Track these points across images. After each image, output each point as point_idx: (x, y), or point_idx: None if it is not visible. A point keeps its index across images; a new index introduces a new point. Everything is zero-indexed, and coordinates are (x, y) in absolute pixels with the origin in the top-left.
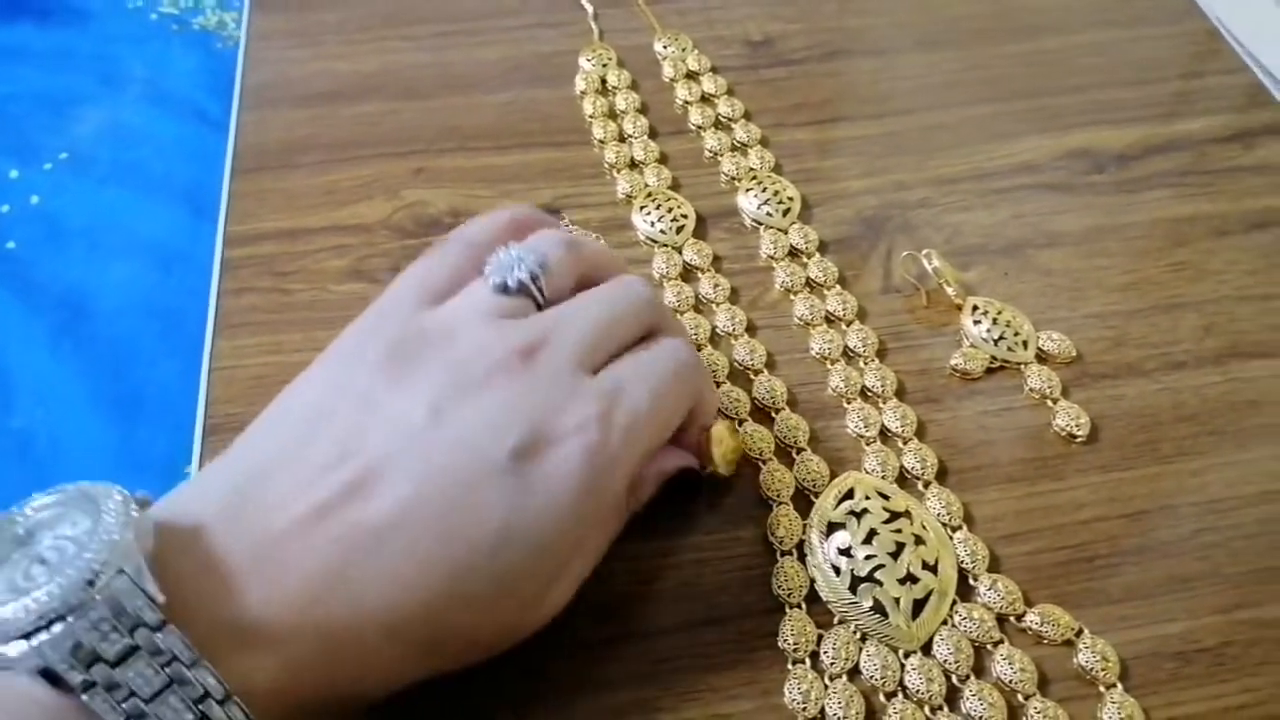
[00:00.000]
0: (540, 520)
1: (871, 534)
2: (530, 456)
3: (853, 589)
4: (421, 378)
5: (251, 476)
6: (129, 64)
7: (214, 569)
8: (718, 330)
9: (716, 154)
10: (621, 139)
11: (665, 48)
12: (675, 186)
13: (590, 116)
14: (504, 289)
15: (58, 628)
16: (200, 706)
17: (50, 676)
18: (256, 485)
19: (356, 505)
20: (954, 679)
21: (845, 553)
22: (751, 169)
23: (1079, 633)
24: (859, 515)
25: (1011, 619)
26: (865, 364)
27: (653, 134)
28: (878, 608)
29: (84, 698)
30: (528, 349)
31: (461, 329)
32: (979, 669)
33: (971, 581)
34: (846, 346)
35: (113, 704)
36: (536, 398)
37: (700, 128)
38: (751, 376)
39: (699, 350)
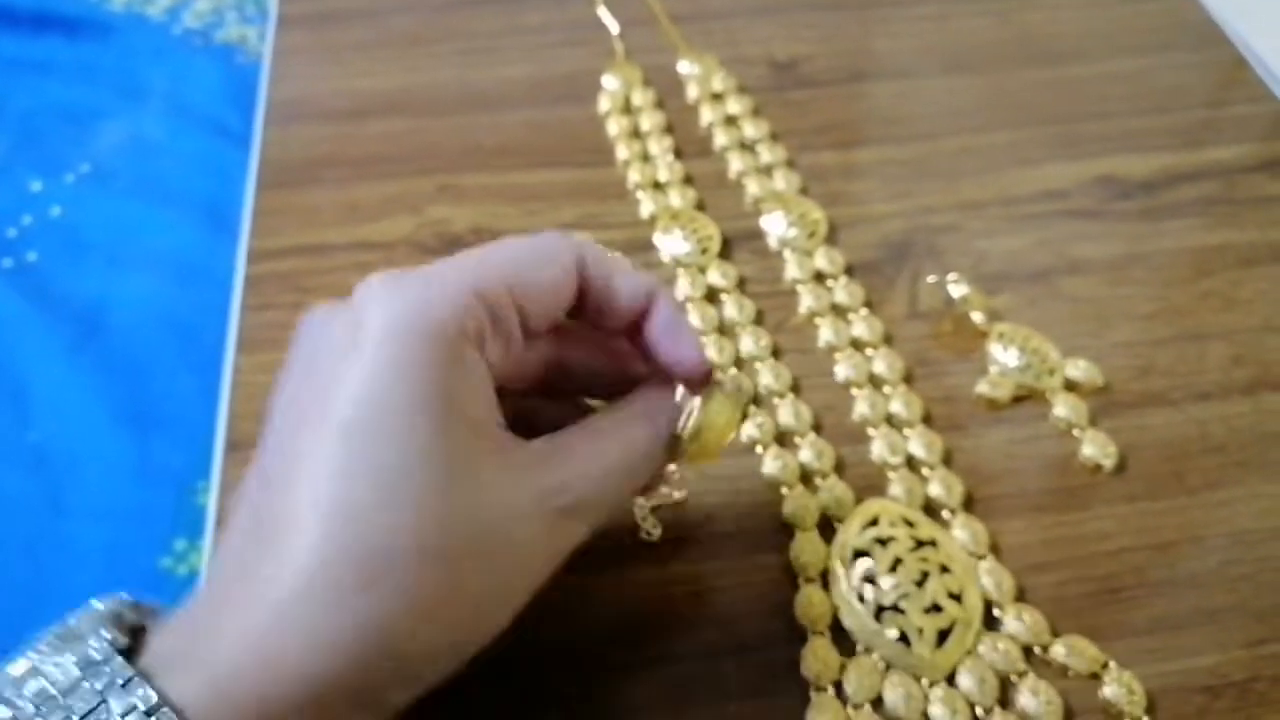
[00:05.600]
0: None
1: (897, 562)
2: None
3: (877, 617)
4: None
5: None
6: (151, 77)
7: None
8: (742, 354)
9: (742, 175)
10: (645, 159)
11: (690, 68)
12: (700, 207)
13: (614, 136)
14: None
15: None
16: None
17: None
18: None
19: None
20: (978, 710)
21: (870, 581)
22: (777, 191)
23: (1105, 665)
24: (884, 543)
25: (1037, 650)
26: (892, 390)
27: (678, 154)
28: (902, 637)
29: None
30: None
31: None
32: (1004, 701)
33: (997, 612)
34: (872, 372)
35: None
36: None
37: (725, 149)
38: (776, 401)
39: (723, 372)
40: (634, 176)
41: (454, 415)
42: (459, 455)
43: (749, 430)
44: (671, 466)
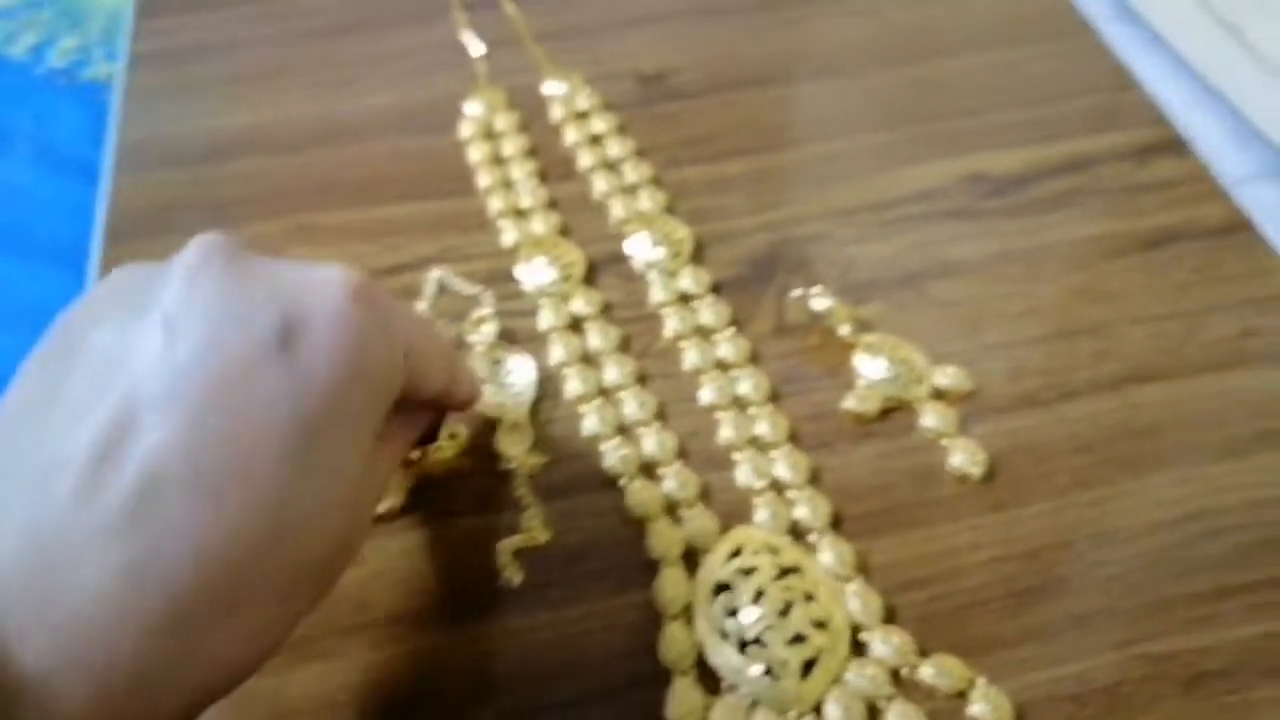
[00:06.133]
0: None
1: (760, 593)
2: (293, 336)
3: (741, 652)
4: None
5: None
6: (14, 121)
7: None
8: (606, 383)
9: (606, 196)
10: (508, 186)
11: (555, 87)
12: (564, 233)
13: (475, 163)
14: None
15: None
16: None
17: None
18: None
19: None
20: None
21: (733, 614)
22: (642, 211)
23: (973, 682)
24: (747, 573)
25: (905, 672)
26: (757, 410)
27: (541, 178)
28: (766, 671)
29: None
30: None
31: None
32: None
33: (865, 635)
34: (736, 394)
35: None
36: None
37: (590, 170)
38: (640, 431)
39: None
40: (496, 204)
41: (377, 427)
42: (369, 464)
43: (611, 463)
44: None
